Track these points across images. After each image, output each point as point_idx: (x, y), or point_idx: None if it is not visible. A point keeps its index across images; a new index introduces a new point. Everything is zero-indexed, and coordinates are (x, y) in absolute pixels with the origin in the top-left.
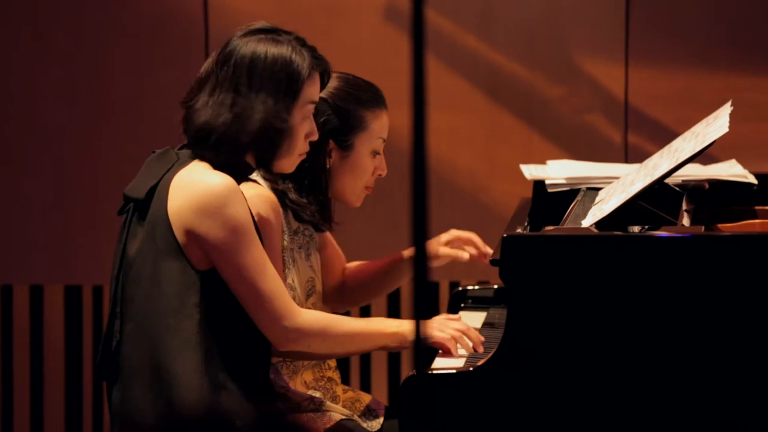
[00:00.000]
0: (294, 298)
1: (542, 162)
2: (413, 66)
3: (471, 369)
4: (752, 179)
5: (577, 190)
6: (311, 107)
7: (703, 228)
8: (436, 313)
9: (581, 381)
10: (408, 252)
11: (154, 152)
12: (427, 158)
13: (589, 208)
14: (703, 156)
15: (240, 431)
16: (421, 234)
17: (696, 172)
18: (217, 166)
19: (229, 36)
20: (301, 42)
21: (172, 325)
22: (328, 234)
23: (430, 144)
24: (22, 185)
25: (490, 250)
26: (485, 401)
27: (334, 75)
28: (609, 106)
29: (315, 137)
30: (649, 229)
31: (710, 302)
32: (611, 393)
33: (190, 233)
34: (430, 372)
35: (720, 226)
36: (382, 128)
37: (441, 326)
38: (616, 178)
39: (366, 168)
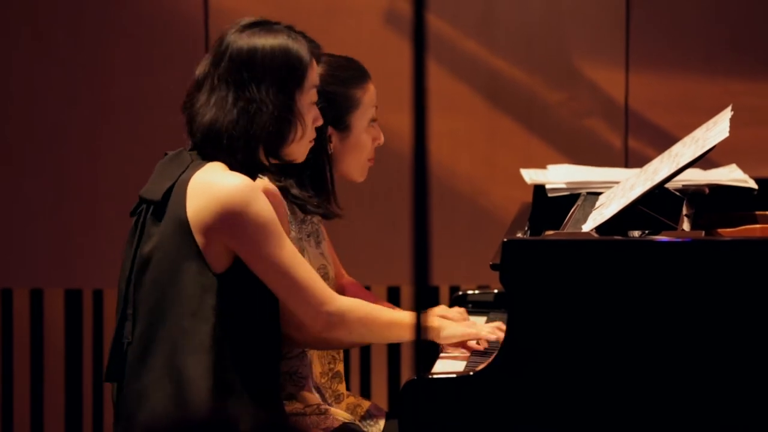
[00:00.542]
0: None
1: (542, 166)
2: (414, 70)
3: (471, 373)
4: (752, 184)
5: (578, 195)
6: (314, 92)
7: (703, 233)
8: None
9: (581, 385)
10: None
11: (166, 154)
12: (428, 162)
13: (590, 212)
14: (703, 161)
15: None
16: (421, 237)
17: (696, 176)
18: (232, 166)
19: (221, 35)
20: (293, 29)
21: (187, 327)
22: (325, 235)
23: (431, 148)
24: (22, 187)
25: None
26: (485, 406)
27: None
28: (609, 111)
29: (320, 122)
30: (649, 234)
31: (710, 307)
32: (612, 398)
33: (211, 235)
34: (430, 376)
35: (720, 230)
36: (371, 99)
37: (488, 328)
38: (617, 182)
39: (366, 142)
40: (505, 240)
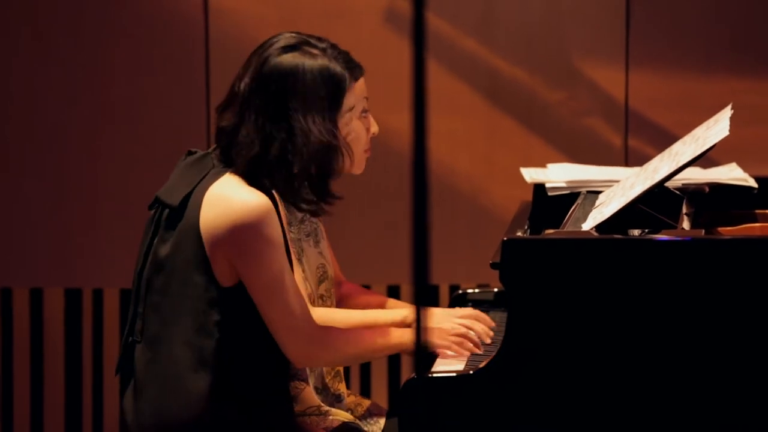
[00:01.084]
0: (305, 288)
1: (542, 165)
2: (413, 69)
3: (471, 372)
4: (752, 183)
5: (577, 194)
6: (363, 103)
7: (703, 231)
8: None
9: (581, 384)
10: (407, 314)
11: (190, 152)
12: (427, 161)
13: (589, 211)
14: (703, 159)
15: None
16: (421, 236)
17: (696, 175)
18: (259, 186)
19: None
20: (336, 49)
21: (193, 341)
22: (324, 236)
23: (430, 147)
24: (22, 186)
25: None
26: (485, 404)
27: None
28: (609, 110)
29: (376, 129)
30: (649, 233)
31: (710, 306)
32: (611, 396)
33: (220, 249)
34: (430, 375)
35: (720, 229)
36: (361, 91)
37: (441, 334)
38: (616, 181)
39: (360, 134)
40: (505, 239)
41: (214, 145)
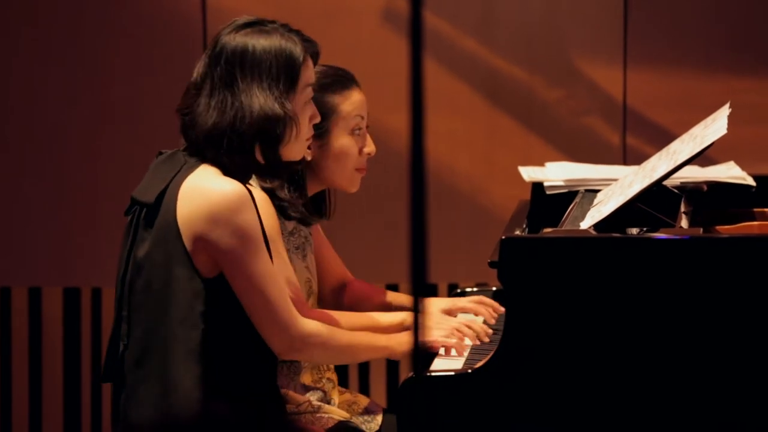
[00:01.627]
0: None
1: (541, 164)
2: (412, 68)
3: (469, 371)
4: (750, 181)
5: (576, 192)
6: (310, 90)
7: (701, 230)
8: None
9: (579, 383)
10: (405, 318)
11: (161, 153)
12: (426, 161)
13: (588, 210)
14: (701, 158)
15: None
16: (420, 236)
17: (694, 174)
18: (226, 170)
19: (216, 35)
20: (288, 28)
21: (179, 334)
22: (322, 236)
23: (429, 146)
24: (21, 186)
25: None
26: (484, 403)
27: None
28: (607, 109)
29: (318, 120)
30: (647, 231)
31: (709, 304)
32: (610, 395)
33: (199, 240)
34: (428, 374)
35: (718, 228)
36: (353, 107)
37: (439, 324)
38: (615, 180)
39: (348, 150)
40: (504, 237)
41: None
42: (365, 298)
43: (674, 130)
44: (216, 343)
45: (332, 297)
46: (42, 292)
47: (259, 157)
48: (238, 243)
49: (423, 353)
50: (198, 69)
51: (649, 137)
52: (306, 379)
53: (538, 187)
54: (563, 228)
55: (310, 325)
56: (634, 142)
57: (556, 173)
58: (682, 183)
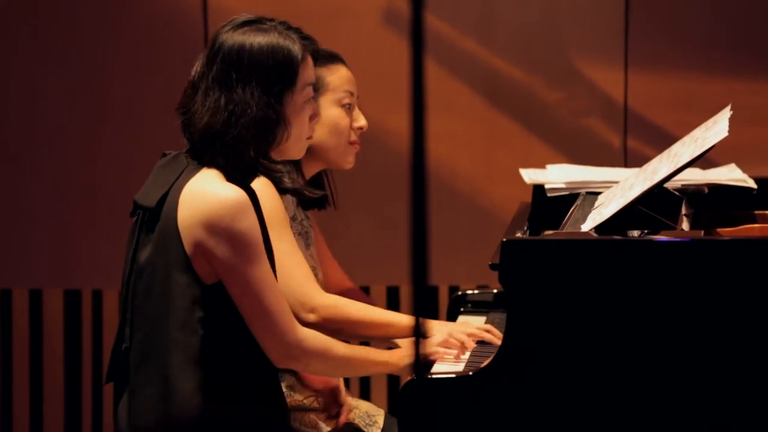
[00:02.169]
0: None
1: (541, 166)
2: (412, 70)
3: (471, 373)
4: (751, 183)
5: (577, 195)
6: (310, 89)
7: (702, 232)
8: (435, 317)
9: (581, 385)
10: (407, 322)
11: (164, 154)
12: (426, 162)
13: (589, 212)
14: (702, 160)
15: None
16: (420, 237)
17: (695, 176)
18: (227, 173)
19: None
20: (286, 26)
21: (179, 339)
22: (322, 242)
23: (430, 147)
24: (22, 187)
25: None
26: (485, 406)
27: None
28: (608, 110)
29: (319, 118)
30: (648, 234)
31: (710, 307)
32: (611, 397)
33: (198, 246)
34: (429, 376)
35: (719, 230)
36: (341, 81)
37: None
38: (616, 182)
39: (339, 123)
40: (505, 240)
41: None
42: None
43: (675, 131)
44: (216, 349)
45: None
46: (43, 293)
47: (254, 158)
48: (234, 251)
49: (424, 362)
50: (196, 67)
51: (650, 139)
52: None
53: (539, 189)
54: (564, 230)
55: (309, 334)
56: (635, 143)
57: (557, 175)
58: (683, 185)
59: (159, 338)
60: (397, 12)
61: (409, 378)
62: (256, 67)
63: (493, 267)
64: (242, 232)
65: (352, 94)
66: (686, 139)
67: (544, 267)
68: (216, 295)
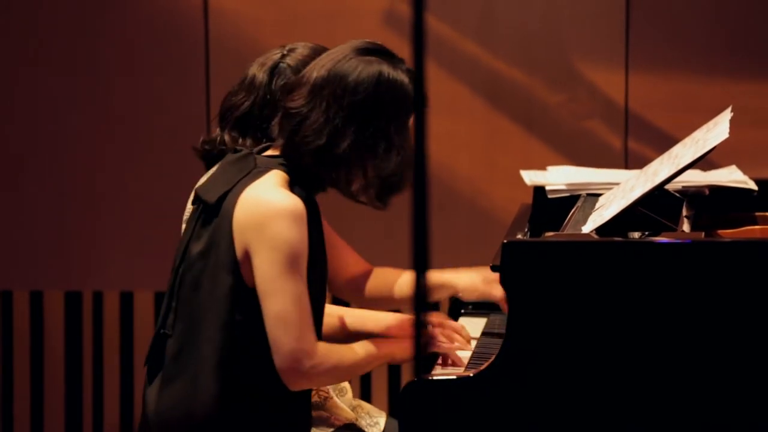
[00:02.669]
0: None
1: (542, 168)
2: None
3: (471, 375)
4: (752, 185)
5: (577, 196)
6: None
7: (703, 234)
8: None
9: (582, 387)
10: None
11: (236, 150)
12: (428, 163)
13: (589, 214)
14: (703, 162)
15: None
16: (421, 239)
17: (696, 178)
18: (296, 179)
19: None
20: (408, 68)
21: (216, 339)
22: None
23: (430, 149)
24: (22, 189)
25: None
26: (486, 407)
27: (304, 45)
28: (609, 112)
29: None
30: (649, 235)
31: (711, 308)
32: (612, 400)
33: (246, 251)
34: (430, 378)
35: (720, 232)
36: None
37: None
38: (616, 184)
39: None
40: (505, 241)
41: (257, 143)
42: (388, 284)
43: (676, 133)
44: (248, 354)
45: (351, 286)
46: (43, 295)
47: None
48: (273, 253)
49: (424, 356)
50: (316, 70)
51: (651, 140)
52: None
53: (539, 190)
54: (565, 232)
55: (318, 360)
56: (636, 145)
57: (557, 177)
58: (684, 187)
59: (198, 334)
60: (397, 13)
61: (409, 379)
62: (391, 102)
63: (494, 268)
64: (282, 238)
65: None
66: (687, 140)
67: (545, 268)
68: (256, 301)
